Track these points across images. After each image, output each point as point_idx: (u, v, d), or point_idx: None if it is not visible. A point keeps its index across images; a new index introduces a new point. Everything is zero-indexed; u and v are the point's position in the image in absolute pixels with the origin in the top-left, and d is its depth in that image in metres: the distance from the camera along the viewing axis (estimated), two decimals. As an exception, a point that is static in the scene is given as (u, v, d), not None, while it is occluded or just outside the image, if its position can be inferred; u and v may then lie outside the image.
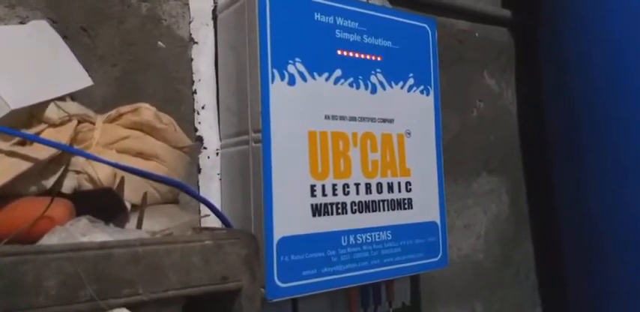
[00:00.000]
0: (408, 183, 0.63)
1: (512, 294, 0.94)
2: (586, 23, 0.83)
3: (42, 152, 0.38)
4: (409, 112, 0.64)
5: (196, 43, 0.60)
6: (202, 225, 0.56)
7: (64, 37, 0.50)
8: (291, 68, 0.55)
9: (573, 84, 0.85)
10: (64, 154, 0.41)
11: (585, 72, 0.83)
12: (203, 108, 0.60)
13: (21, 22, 0.50)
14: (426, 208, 0.65)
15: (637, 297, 0.79)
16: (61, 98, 0.44)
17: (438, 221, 0.66)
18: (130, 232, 0.37)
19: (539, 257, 0.99)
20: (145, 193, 0.42)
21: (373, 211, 0.60)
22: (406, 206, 0.63)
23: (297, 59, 0.55)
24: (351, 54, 0.60)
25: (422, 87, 0.66)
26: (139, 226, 0.40)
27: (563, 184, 0.90)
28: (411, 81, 0.65)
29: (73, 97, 0.47)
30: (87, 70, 0.48)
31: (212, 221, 0.56)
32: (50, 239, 0.33)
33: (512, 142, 0.97)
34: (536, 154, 0.97)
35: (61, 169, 0.40)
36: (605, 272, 0.82)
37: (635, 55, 0.79)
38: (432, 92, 0.67)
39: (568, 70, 0.86)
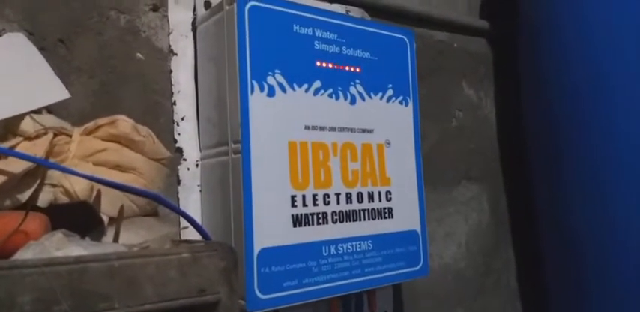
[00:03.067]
0: (388, 192, 0.64)
1: (493, 301, 0.94)
2: (564, 33, 0.84)
3: (17, 166, 0.38)
4: (389, 123, 0.65)
5: (176, 54, 0.61)
6: (182, 237, 0.56)
7: (41, 49, 0.50)
8: (270, 79, 0.55)
9: (551, 93, 0.87)
10: (40, 167, 0.40)
11: (563, 81, 0.85)
12: (183, 119, 0.60)
13: (-3, 35, 0.49)
14: (406, 217, 0.66)
15: (616, 303, 0.80)
16: (37, 111, 0.43)
17: (419, 230, 0.67)
18: (106, 245, 0.36)
19: (520, 265, 1.00)
20: (122, 206, 0.42)
21: (354, 220, 0.60)
22: (387, 215, 0.63)
23: (276, 71, 0.56)
24: (330, 65, 0.60)
25: (401, 97, 0.67)
26: (116, 239, 0.40)
27: (542, 191, 0.91)
28: (390, 92, 0.66)
29: (49, 109, 0.47)
30: (64, 83, 0.48)
31: (193, 233, 0.56)
32: (24, 254, 0.33)
33: (492, 150, 0.98)
34: (516, 163, 0.98)
35: (37, 183, 0.40)
36: (585, 279, 0.83)
37: (614, 65, 0.80)
38: (410, 102, 0.68)
39: (546, 79, 0.87)
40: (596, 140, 0.81)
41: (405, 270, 0.64)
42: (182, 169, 0.59)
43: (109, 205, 0.42)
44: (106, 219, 0.42)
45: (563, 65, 0.85)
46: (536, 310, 0.99)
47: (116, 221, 0.41)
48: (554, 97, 0.86)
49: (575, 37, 0.83)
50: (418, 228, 0.67)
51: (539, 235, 0.93)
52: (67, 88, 0.47)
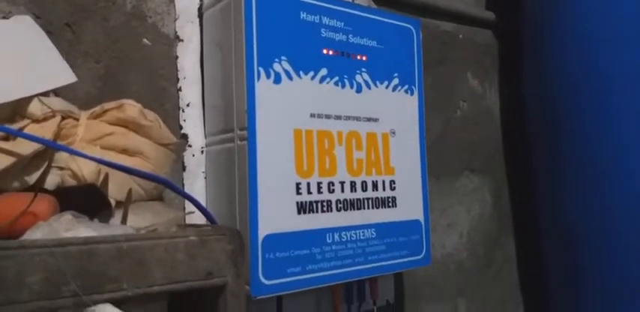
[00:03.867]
0: (392, 181, 0.64)
1: (494, 292, 0.95)
2: (567, 25, 0.84)
3: (25, 147, 0.38)
4: (394, 112, 0.65)
5: (182, 40, 0.60)
6: (187, 222, 0.56)
7: (48, 33, 0.50)
8: (277, 66, 0.55)
9: (554, 85, 0.87)
10: (48, 149, 0.40)
11: (566, 73, 0.85)
12: (188, 105, 0.60)
13: (4, 17, 0.49)
14: (409, 206, 0.66)
15: (616, 295, 0.81)
16: (45, 94, 0.43)
17: (422, 219, 0.67)
18: (114, 227, 0.37)
19: (521, 255, 1.00)
20: (130, 190, 0.42)
21: (358, 209, 0.60)
22: (390, 204, 0.64)
23: (283, 58, 0.55)
24: (336, 53, 0.60)
25: (406, 87, 0.67)
26: (124, 222, 0.40)
27: (543, 183, 0.91)
28: (395, 81, 0.66)
29: (56, 92, 0.47)
30: (70, 66, 0.48)
31: (197, 218, 0.56)
32: (33, 234, 0.33)
33: (495, 142, 0.98)
34: (519, 154, 0.99)
35: (45, 165, 0.40)
36: (584, 270, 0.84)
37: (616, 57, 0.80)
38: (416, 92, 0.68)
39: (549, 71, 0.87)
40: (597, 133, 0.82)
41: (407, 259, 0.64)
42: (187, 156, 0.59)
43: (117, 188, 0.42)
44: (113, 202, 0.42)
45: (566, 57, 0.85)
46: (536, 300, 0.99)
47: (124, 204, 0.41)
48: (556, 89, 0.86)
49: (577, 29, 0.83)
50: (421, 217, 0.67)
51: (540, 226, 0.93)
52: (73, 71, 0.47)
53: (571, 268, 0.86)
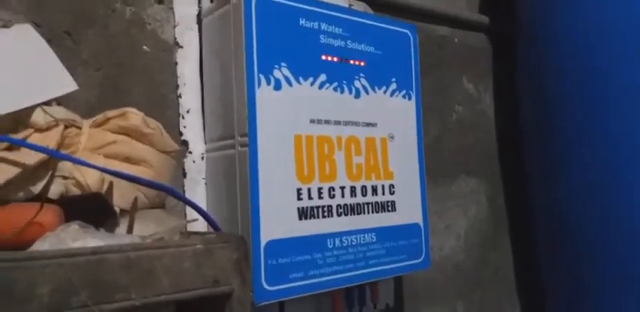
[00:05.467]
0: (391, 186, 0.64)
1: (491, 293, 0.96)
2: (560, 29, 0.85)
3: (30, 157, 0.38)
4: (392, 116, 0.66)
5: (181, 47, 0.60)
6: (188, 230, 0.56)
7: (48, 41, 0.50)
8: (277, 73, 0.55)
9: (548, 88, 0.87)
10: (51, 159, 0.40)
11: (559, 77, 0.86)
12: (188, 112, 0.60)
13: (4, 26, 0.49)
14: (408, 210, 0.66)
15: (611, 295, 0.81)
16: (48, 103, 0.43)
17: (421, 223, 0.67)
18: (121, 237, 0.37)
19: (517, 257, 1.01)
20: (136, 198, 0.42)
21: (358, 213, 0.61)
22: (390, 208, 0.64)
23: (282, 64, 0.56)
24: (335, 59, 0.60)
25: (404, 91, 0.67)
26: (130, 231, 0.40)
27: (537, 185, 0.92)
28: (393, 86, 0.66)
29: (58, 101, 0.47)
30: (71, 75, 0.48)
31: (198, 226, 0.56)
32: (42, 245, 0.33)
33: (490, 144, 0.99)
34: (514, 157, 0.99)
35: (49, 175, 0.40)
36: (578, 271, 0.85)
37: (610, 61, 0.81)
38: (413, 97, 0.68)
39: (543, 74, 0.88)
40: (591, 135, 0.82)
41: (407, 262, 0.65)
42: (188, 162, 0.59)
43: (120, 197, 0.42)
44: (117, 211, 0.42)
45: (559, 60, 0.85)
46: (532, 301, 1.00)
47: (129, 213, 0.41)
48: (550, 92, 0.87)
49: (571, 33, 0.84)
50: (420, 221, 0.67)
51: (535, 227, 0.94)
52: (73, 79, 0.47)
53: (567, 268, 0.87)
